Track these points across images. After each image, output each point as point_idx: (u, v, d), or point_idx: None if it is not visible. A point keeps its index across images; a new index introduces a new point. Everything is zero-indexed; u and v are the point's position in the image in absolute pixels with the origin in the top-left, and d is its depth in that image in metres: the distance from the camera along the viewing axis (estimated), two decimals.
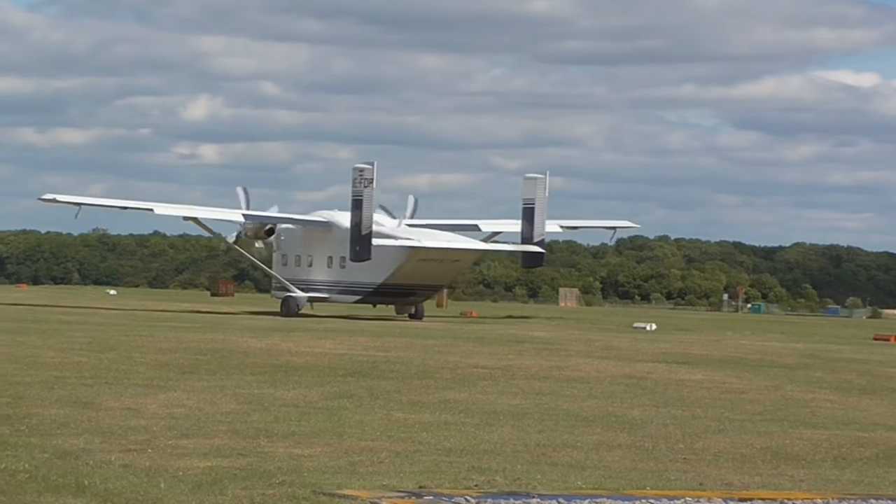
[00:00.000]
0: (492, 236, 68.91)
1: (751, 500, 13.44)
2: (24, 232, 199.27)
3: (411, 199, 67.05)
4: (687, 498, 13.17)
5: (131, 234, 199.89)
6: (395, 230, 62.45)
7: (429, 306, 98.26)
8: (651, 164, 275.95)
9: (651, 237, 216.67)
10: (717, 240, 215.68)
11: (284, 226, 66.88)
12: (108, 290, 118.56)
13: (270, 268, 67.30)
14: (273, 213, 68.26)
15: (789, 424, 21.02)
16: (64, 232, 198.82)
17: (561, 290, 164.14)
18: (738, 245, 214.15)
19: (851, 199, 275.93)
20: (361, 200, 58.74)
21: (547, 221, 66.24)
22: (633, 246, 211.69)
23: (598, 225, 78.56)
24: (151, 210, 64.97)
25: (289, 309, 63.83)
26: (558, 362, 32.79)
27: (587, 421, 20.30)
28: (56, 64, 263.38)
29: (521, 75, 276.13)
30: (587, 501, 12.73)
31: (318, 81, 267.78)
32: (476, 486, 13.54)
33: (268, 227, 67.31)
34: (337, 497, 12.57)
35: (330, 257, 64.34)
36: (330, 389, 23.42)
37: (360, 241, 58.82)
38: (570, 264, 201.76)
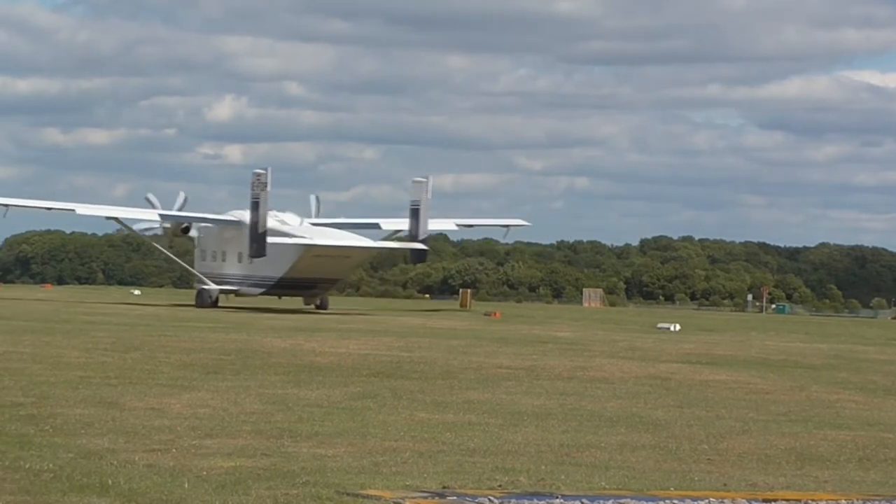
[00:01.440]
0: (393, 234, 76.13)
1: (775, 500, 13.38)
2: (49, 232, 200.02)
3: (314, 199, 75.42)
4: (711, 499, 13.13)
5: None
6: (296, 229, 70.38)
7: (452, 307, 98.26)
8: (676, 164, 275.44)
9: (675, 237, 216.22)
10: (742, 240, 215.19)
11: (204, 224, 74.76)
12: (132, 291, 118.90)
13: (192, 263, 75.80)
14: (178, 209, 75.39)
15: (814, 425, 20.94)
16: (89, 232, 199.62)
17: (585, 290, 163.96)
18: (763, 245, 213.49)
19: (877, 199, 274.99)
20: (259, 203, 67.16)
21: (443, 220, 75.45)
22: (657, 246, 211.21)
23: (493, 223, 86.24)
24: (73, 210, 71.23)
25: (202, 300, 70.76)
26: (582, 363, 32.74)
27: (611, 421, 20.26)
28: (81, 64, 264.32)
29: (546, 76, 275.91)
30: (611, 502, 12.70)
31: (342, 82, 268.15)
32: (499, 486, 13.53)
33: (184, 225, 75.24)
34: (360, 497, 12.57)
35: (240, 253, 72.01)
36: (353, 390, 23.43)
37: (257, 238, 67.02)
38: (594, 265, 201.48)
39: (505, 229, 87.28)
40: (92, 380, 23.62)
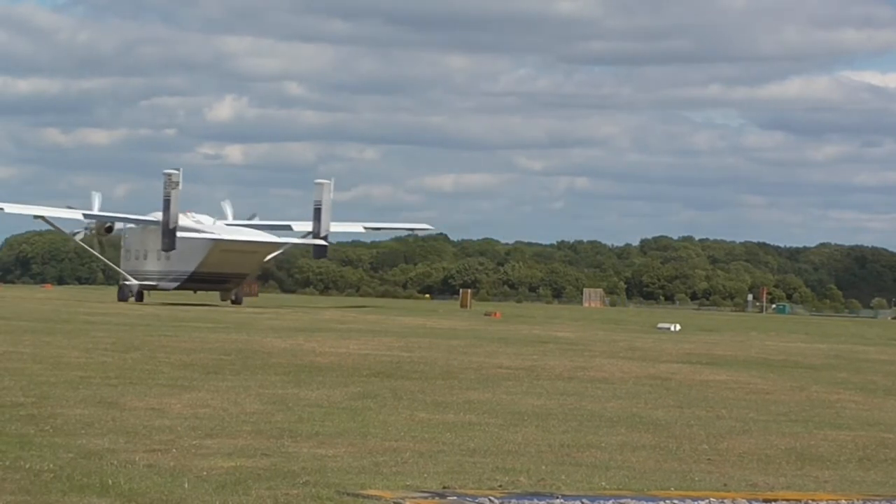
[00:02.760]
0: (307, 234, 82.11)
1: (775, 500, 13.39)
2: (49, 232, 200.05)
3: (227, 204, 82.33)
4: (711, 499, 13.14)
5: None
6: (208, 227, 77.65)
7: (453, 306, 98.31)
8: (676, 164, 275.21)
9: (675, 237, 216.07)
10: (742, 240, 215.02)
11: (130, 225, 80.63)
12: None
13: (119, 262, 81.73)
14: (98, 209, 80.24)
15: (814, 425, 20.94)
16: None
17: (585, 290, 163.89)
18: (763, 245, 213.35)
19: (877, 199, 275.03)
20: (170, 201, 73.93)
21: (352, 223, 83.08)
22: (657, 246, 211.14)
23: (398, 226, 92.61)
24: (2, 209, 75.72)
25: (123, 295, 76.87)
26: (582, 363, 32.74)
27: (611, 421, 20.27)
28: (82, 65, 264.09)
29: (546, 76, 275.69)
30: (611, 502, 12.71)
31: (343, 82, 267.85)
32: (500, 486, 13.53)
33: (107, 225, 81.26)
34: (361, 497, 12.57)
35: (159, 251, 77.54)
36: (354, 390, 23.43)
37: (168, 234, 74.22)
38: (594, 265, 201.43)
39: (411, 232, 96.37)
40: (92, 380, 23.63)
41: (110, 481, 12.87)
